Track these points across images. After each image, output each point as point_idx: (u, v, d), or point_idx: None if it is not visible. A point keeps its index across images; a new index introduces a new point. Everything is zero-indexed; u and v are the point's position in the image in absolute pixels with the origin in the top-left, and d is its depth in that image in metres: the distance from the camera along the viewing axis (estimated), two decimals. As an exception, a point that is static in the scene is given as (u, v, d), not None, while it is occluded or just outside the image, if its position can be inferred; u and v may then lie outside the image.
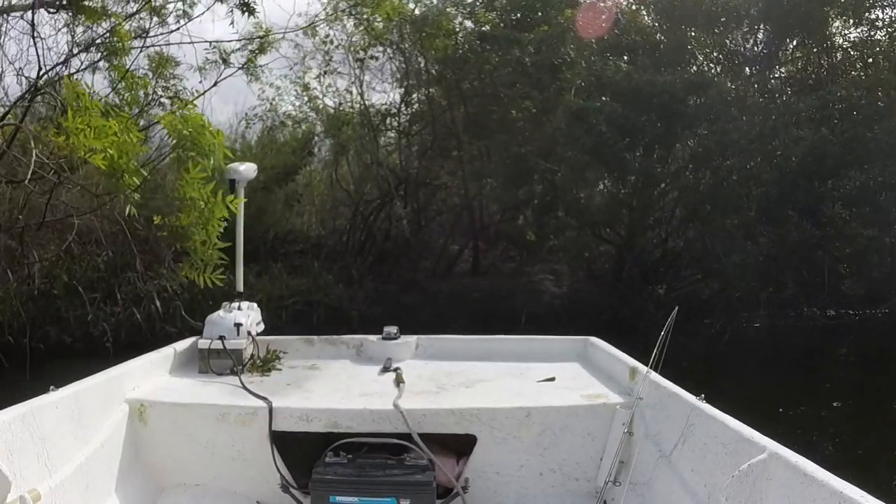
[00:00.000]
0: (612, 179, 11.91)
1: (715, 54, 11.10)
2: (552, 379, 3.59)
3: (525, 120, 12.37)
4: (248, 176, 4.32)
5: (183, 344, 3.98)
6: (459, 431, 3.04)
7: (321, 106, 14.51)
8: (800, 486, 1.90)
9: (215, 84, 12.74)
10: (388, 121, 14.93)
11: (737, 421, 2.41)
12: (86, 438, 2.70)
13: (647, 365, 3.02)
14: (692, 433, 2.61)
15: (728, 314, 10.65)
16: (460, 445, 3.09)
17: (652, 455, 2.81)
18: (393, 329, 4.27)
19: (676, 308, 2.79)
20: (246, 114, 14.73)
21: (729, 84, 10.69)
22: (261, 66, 13.19)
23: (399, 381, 3.46)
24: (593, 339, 4.16)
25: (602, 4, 11.93)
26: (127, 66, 8.99)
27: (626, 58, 11.04)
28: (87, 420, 2.74)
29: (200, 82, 12.63)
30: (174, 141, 4.47)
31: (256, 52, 12.95)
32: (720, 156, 10.80)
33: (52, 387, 2.65)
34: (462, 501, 2.90)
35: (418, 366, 4.00)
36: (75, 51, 8.98)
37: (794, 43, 11.04)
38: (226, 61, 12.80)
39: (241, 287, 4.44)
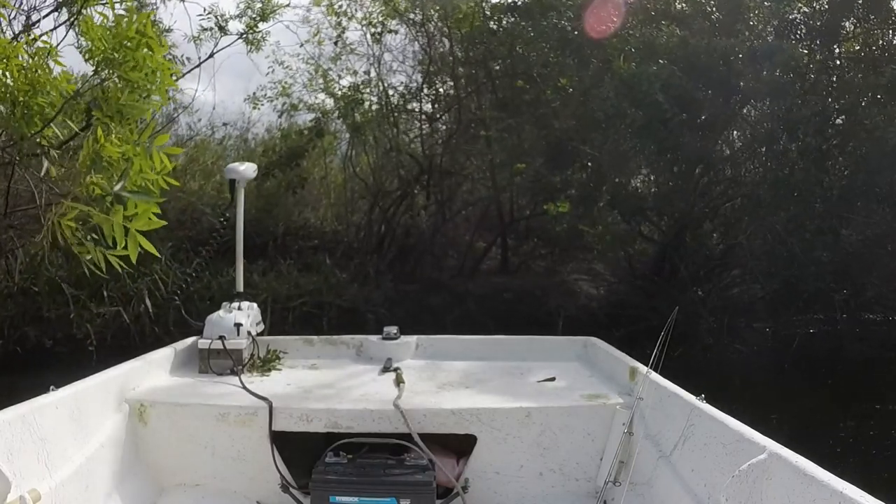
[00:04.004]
0: (661, 164, 11.80)
1: (770, 28, 11.08)
2: (552, 379, 3.99)
3: (562, 101, 12.38)
4: (247, 176, 4.75)
5: (183, 344, 4.40)
6: (459, 431, 3.40)
7: (338, 91, 14.65)
8: (800, 486, 2.13)
9: (212, 55, 13.18)
10: (409, 105, 15.03)
11: (737, 421, 2.69)
12: (86, 438, 3.03)
13: (647, 364, 3.38)
14: (692, 433, 2.91)
15: (790, 317, 10.74)
16: (460, 445, 3.46)
17: (652, 455, 3.14)
18: (393, 329, 4.71)
19: (677, 308, 3.18)
20: (254, 93, 15.04)
21: (801, 48, 10.52)
22: (260, 31, 13.56)
23: (399, 381, 3.86)
24: (593, 339, 4.57)
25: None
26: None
27: (677, 29, 10.94)
28: (87, 420, 3.08)
29: (199, 57, 13.14)
30: (95, 61, 3.72)
31: (257, 18, 13.39)
32: (787, 137, 10.78)
33: (52, 387, 2.99)
34: (462, 501, 3.23)
35: (418, 366, 4.42)
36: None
37: (854, 18, 11.02)
38: (223, 28, 13.24)
39: (240, 287, 4.91)
